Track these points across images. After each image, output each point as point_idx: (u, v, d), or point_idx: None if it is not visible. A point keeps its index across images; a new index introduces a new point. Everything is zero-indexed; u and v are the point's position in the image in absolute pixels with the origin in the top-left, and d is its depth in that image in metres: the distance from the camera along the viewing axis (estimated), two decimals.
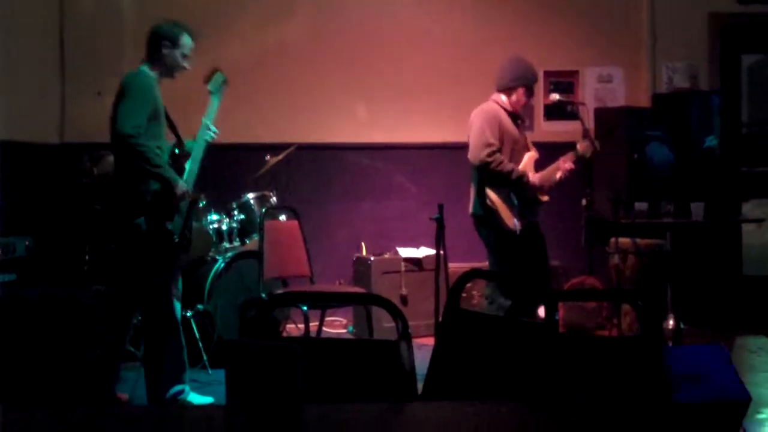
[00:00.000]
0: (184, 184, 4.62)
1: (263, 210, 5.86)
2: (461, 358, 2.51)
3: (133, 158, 4.46)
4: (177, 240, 4.61)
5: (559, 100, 5.89)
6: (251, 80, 7.24)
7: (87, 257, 6.08)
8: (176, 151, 4.77)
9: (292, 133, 7.12)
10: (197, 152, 4.81)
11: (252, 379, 1.67)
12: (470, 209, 5.62)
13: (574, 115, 5.91)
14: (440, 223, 5.25)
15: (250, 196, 6.20)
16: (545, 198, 5.64)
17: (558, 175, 5.56)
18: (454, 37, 7.57)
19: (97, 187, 6.78)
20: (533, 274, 5.52)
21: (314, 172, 7.41)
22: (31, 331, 4.14)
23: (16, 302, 4.20)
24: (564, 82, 7.53)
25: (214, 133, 4.88)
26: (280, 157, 6.43)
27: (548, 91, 7.26)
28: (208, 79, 4.93)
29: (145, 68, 4.74)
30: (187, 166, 4.77)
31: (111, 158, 6.05)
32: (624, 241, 5.98)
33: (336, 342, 2.86)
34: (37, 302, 4.17)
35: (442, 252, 5.33)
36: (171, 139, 4.83)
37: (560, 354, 2.27)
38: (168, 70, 4.77)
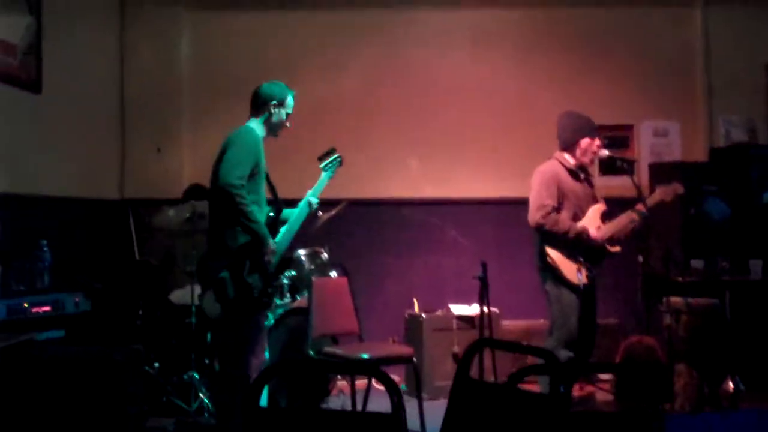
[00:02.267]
0: (274, 243, 4.71)
1: (312, 267, 5.88)
2: (469, 426, 2.48)
3: (230, 210, 4.56)
4: (256, 296, 4.66)
5: (608, 156, 5.85)
6: (303, 133, 7.30)
7: (140, 312, 6.16)
8: (271, 214, 4.88)
9: (344, 188, 7.14)
10: (295, 220, 5.03)
11: None
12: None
13: (630, 170, 5.89)
14: (483, 281, 5.23)
15: (301, 252, 6.22)
16: (616, 249, 5.64)
17: (631, 225, 5.55)
18: (509, 91, 7.58)
19: (154, 242, 6.91)
20: (583, 331, 5.50)
21: (367, 227, 7.43)
22: (62, 389, 4.19)
23: (52, 360, 4.26)
24: (619, 136, 7.46)
25: (316, 204, 5.17)
26: (332, 213, 6.45)
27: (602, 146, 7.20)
28: (323, 158, 5.27)
29: (253, 124, 4.91)
30: (282, 229, 4.92)
31: (170, 212, 6.20)
32: (676, 300, 5.85)
33: (333, 414, 2.84)
34: (71, 360, 4.23)
35: (486, 310, 5.28)
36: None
37: (562, 427, 2.23)
38: (273, 128, 4.96)
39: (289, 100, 4.99)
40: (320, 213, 6.49)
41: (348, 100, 7.59)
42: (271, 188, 4.97)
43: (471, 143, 7.56)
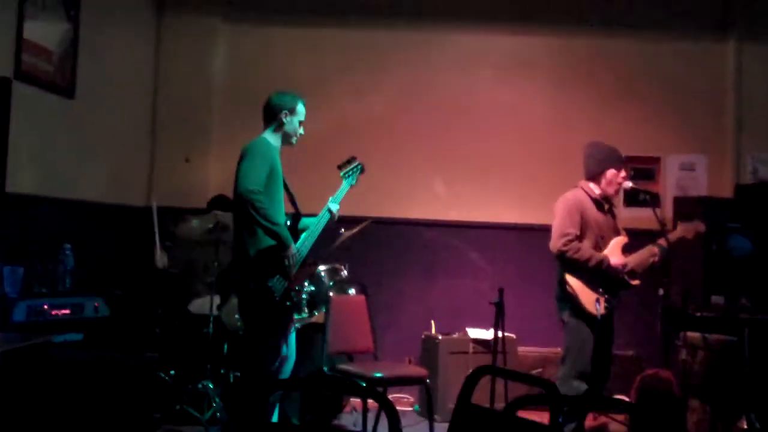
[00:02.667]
0: (295, 246, 4.77)
1: (331, 283, 5.91)
2: None
3: (250, 216, 4.62)
4: (278, 299, 4.71)
5: (632, 188, 5.85)
6: (330, 151, 7.35)
7: (159, 320, 6.21)
8: (289, 222, 4.93)
9: (368, 206, 7.18)
10: (316, 226, 5.07)
11: None
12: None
13: (653, 203, 5.89)
14: (499, 307, 5.25)
15: (322, 268, 6.24)
16: (635, 282, 5.64)
17: (651, 259, 5.54)
18: (536, 118, 7.60)
19: (176, 251, 6.97)
20: (597, 362, 5.48)
21: (388, 247, 7.46)
22: (74, 392, 4.25)
23: (66, 363, 4.32)
24: (645, 168, 7.44)
25: (337, 211, 5.19)
26: (355, 230, 6.48)
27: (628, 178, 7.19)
28: (343, 166, 5.32)
29: (267, 135, 5.00)
30: (302, 235, 4.98)
31: (194, 222, 6.26)
32: (693, 335, 5.83)
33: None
34: (85, 364, 4.29)
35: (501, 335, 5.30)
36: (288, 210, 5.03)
37: None
38: (287, 137, 5.04)
39: (300, 108, 5.06)
40: (343, 230, 6.54)
41: (376, 119, 7.64)
42: (290, 197, 5.03)
43: (496, 169, 7.58)
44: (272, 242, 4.69)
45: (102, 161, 6.79)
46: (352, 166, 5.36)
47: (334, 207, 5.20)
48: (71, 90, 6.28)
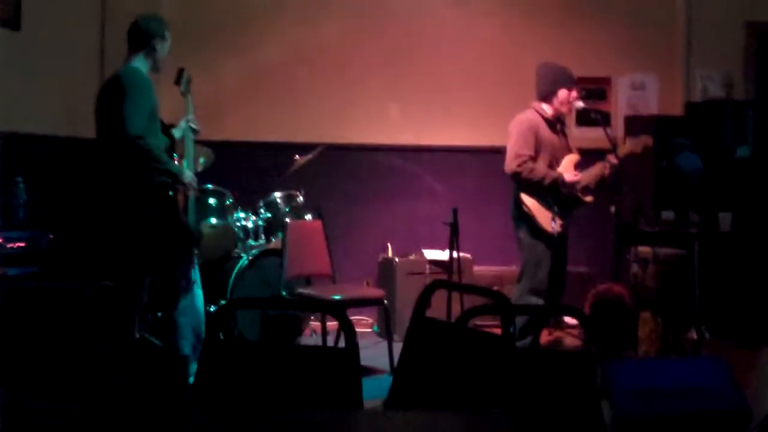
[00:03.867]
0: (189, 173, 4.75)
1: (287, 209, 5.95)
2: (421, 361, 2.58)
3: (141, 157, 4.56)
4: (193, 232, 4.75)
5: (583, 108, 5.92)
6: (283, 79, 7.34)
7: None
8: (175, 155, 4.91)
9: (322, 132, 7.20)
10: (189, 150, 4.96)
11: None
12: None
13: (604, 122, 5.97)
14: (454, 227, 5.32)
15: (277, 194, 6.29)
16: (589, 199, 5.76)
17: (605, 171, 5.65)
18: (487, 41, 7.59)
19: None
20: (553, 279, 5.61)
21: (344, 172, 7.48)
22: (34, 324, 4.26)
23: (23, 294, 4.32)
24: (596, 89, 7.49)
25: (197, 126, 5.05)
26: (310, 156, 6.51)
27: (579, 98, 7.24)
28: (177, 81, 5.09)
29: (139, 64, 4.80)
30: (184, 163, 4.92)
31: None
32: (644, 249, 5.96)
33: (286, 347, 2.93)
34: (42, 294, 4.29)
35: (456, 255, 5.39)
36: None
37: (511, 365, 2.32)
38: (156, 64, 4.87)
39: (168, 33, 4.90)
40: (297, 156, 6.57)
41: (329, 46, 7.57)
42: (164, 128, 4.92)
43: (450, 92, 7.58)
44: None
45: (52, 94, 6.69)
46: (185, 79, 5.12)
47: (194, 124, 5.05)
48: (16, 22, 6.15)
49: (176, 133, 5.05)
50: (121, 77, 4.70)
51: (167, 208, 4.67)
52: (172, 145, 4.96)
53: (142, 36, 4.82)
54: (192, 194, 4.79)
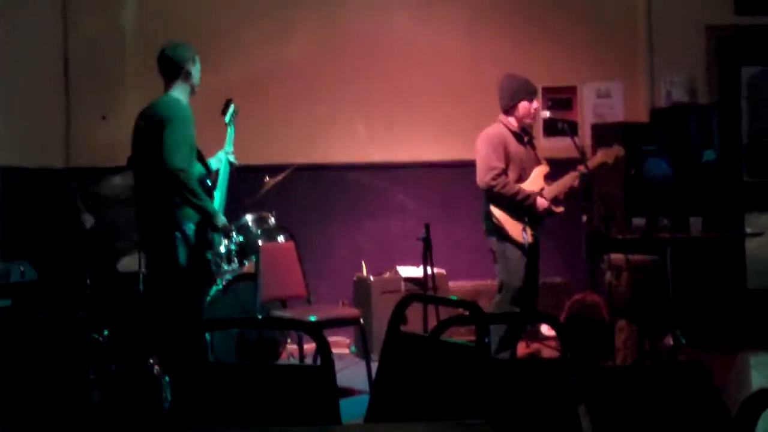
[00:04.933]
0: (223, 218, 4.75)
1: (258, 232, 5.91)
2: (398, 377, 2.58)
3: (177, 190, 4.55)
4: (213, 269, 4.75)
5: (550, 118, 5.96)
6: (249, 101, 7.26)
7: (88, 281, 6.14)
8: (208, 182, 4.89)
9: (290, 153, 7.17)
10: (222, 182, 4.98)
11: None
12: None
13: (571, 131, 6.00)
14: (427, 243, 5.33)
15: (249, 218, 6.23)
16: (560, 209, 5.79)
17: (574, 182, 5.68)
18: (453, 55, 7.60)
19: (100, 210, 6.87)
20: (526, 288, 5.63)
21: (314, 193, 7.46)
22: (8, 357, 4.22)
23: None
24: (562, 98, 7.53)
25: (235, 161, 5.10)
26: (279, 178, 6.49)
27: (545, 108, 7.27)
28: (224, 111, 5.18)
29: (178, 93, 4.83)
30: (216, 195, 4.90)
31: (116, 179, 6.17)
32: (617, 257, 5.99)
33: (261, 367, 2.92)
34: (15, 327, 4.25)
35: (430, 271, 5.40)
36: None
37: (486, 374, 2.33)
38: (192, 89, 4.91)
39: (197, 57, 4.94)
40: (267, 178, 6.54)
41: (293, 65, 7.54)
42: (200, 157, 4.94)
43: (416, 108, 7.58)
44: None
45: (16, 125, 6.62)
46: (231, 110, 5.23)
47: (232, 158, 5.11)
48: None
49: (213, 164, 5.03)
50: (166, 110, 4.70)
51: (194, 245, 4.68)
52: (208, 175, 4.94)
53: (173, 65, 4.85)
54: (220, 238, 4.76)
